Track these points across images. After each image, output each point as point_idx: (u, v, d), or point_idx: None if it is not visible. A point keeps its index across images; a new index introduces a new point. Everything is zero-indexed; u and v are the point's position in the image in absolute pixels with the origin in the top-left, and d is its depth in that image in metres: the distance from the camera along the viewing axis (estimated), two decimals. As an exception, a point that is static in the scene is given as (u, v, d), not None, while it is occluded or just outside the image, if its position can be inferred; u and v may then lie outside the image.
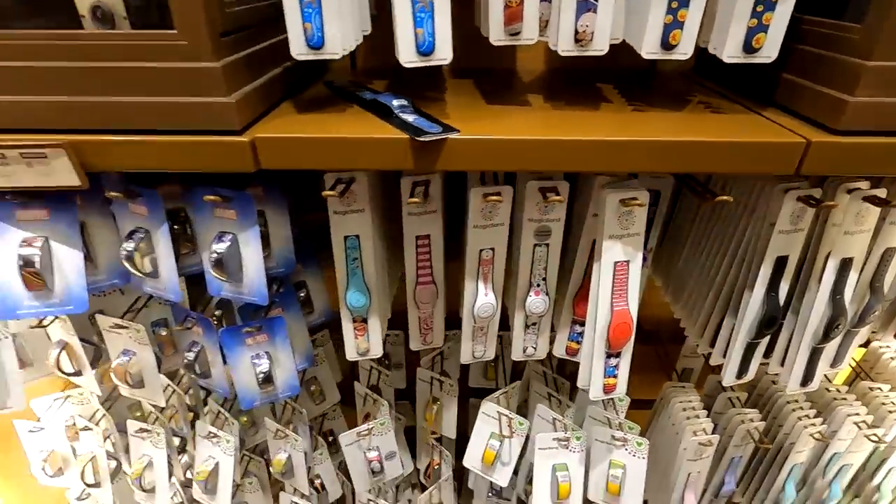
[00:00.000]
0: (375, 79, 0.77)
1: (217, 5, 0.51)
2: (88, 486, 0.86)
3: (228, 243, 0.61)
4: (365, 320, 0.73)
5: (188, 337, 0.76)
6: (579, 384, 0.71)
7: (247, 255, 0.62)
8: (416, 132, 0.51)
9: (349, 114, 0.59)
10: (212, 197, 0.58)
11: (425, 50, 0.51)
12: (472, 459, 0.89)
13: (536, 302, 0.69)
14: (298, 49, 0.52)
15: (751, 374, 0.73)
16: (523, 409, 1.00)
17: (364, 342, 0.75)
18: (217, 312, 0.83)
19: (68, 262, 0.62)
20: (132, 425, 0.85)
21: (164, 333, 0.80)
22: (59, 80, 0.51)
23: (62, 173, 0.53)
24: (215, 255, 0.60)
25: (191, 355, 0.75)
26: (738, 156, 0.51)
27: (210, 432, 0.85)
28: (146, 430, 0.84)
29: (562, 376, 0.96)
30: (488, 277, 0.68)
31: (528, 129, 0.53)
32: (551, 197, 0.59)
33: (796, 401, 0.89)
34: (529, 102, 0.64)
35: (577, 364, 0.73)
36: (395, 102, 0.57)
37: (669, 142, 0.51)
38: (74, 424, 0.92)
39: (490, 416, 0.88)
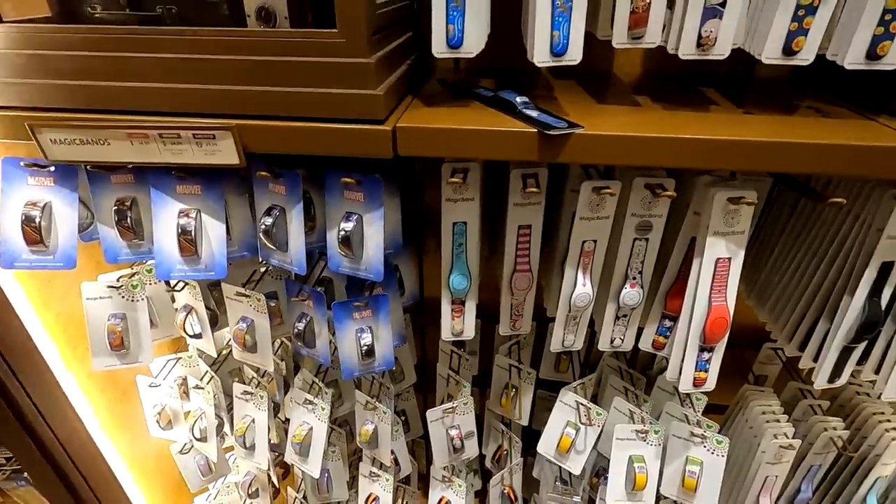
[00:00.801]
0: (481, 78, 0.82)
1: (373, 8, 0.57)
2: (196, 440, 0.95)
3: (354, 223, 0.67)
4: (463, 303, 0.78)
5: (298, 309, 0.83)
6: (668, 376, 0.74)
7: (369, 234, 0.68)
8: (545, 127, 0.55)
9: (473, 108, 0.64)
10: (348, 179, 0.64)
11: (559, 51, 0.55)
12: (546, 446, 0.93)
13: (631, 294, 0.72)
14: (440, 48, 0.57)
15: (843, 379, 0.73)
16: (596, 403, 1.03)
17: (459, 324, 0.80)
18: (319, 289, 0.90)
19: (214, 233, 0.69)
20: (238, 388, 0.93)
21: (272, 305, 0.88)
22: (228, 71, 0.58)
23: (225, 153, 0.61)
24: (343, 233, 0.67)
25: (300, 325, 0.82)
26: (858, 159, 0.53)
27: (306, 399, 0.92)
28: (250, 393, 0.92)
29: (637, 371, 0.98)
30: (588, 268, 0.71)
31: (646, 127, 0.57)
32: (662, 192, 0.62)
33: (882, 413, 0.88)
34: (639, 103, 0.67)
35: (650, 362, 0.76)
36: (519, 99, 0.61)
37: (789, 143, 0.53)
38: (184, 384, 1.01)
39: (568, 405, 0.91)
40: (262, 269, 0.88)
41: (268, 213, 0.69)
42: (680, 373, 0.73)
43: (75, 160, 0.64)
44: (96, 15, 0.64)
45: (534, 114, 0.59)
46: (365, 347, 0.79)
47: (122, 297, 0.83)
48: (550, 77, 0.84)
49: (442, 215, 0.71)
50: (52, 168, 0.69)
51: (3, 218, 0.68)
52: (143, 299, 0.84)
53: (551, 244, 0.81)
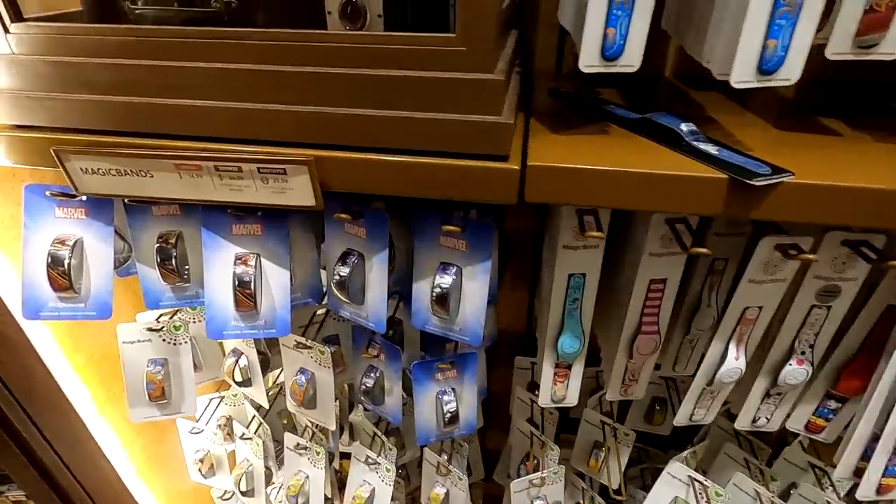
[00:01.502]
0: (595, 86, 0.67)
1: (500, 9, 0.42)
2: (242, 493, 0.84)
3: (453, 277, 0.53)
4: (570, 366, 0.64)
5: (366, 360, 0.70)
6: (838, 475, 0.58)
7: (470, 291, 0.54)
8: (744, 174, 0.40)
9: (615, 136, 0.49)
10: (451, 227, 0.50)
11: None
12: (647, 522, 0.79)
13: (796, 372, 0.56)
14: (591, 60, 0.42)
15: None
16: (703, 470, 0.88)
17: (562, 389, 0.66)
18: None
19: (276, 282, 0.57)
20: (290, 439, 0.81)
21: (334, 350, 0.75)
22: (304, 87, 0.44)
23: (298, 192, 0.47)
24: (439, 290, 0.53)
25: (369, 382, 0.69)
26: None
27: (368, 457, 0.79)
28: (305, 448, 0.80)
29: (758, 439, 0.83)
30: (744, 339, 0.56)
31: (872, 172, 0.41)
32: (868, 254, 0.46)
33: None
34: (832, 129, 0.51)
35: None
36: (684, 127, 0.46)
37: None
38: (228, 425, 0.90)
39: (677, 479, 0.76)
40: (323, 311, 0.75)
41: (343, 260, 0.55)
42: (852, 471, 0.57)
43: (110, 194, 0.52)
44: (137, 11, 0.50)
45: (712, 150, 0.44)
46: (448, 415, 0.66)
47: (164, 339, 0.71)
48: (680, 84, 0.67)
49: (556, 266, 0.56)
50: (84, 197, 0.57)
51: (26, 258, 0.56)
52: (186, 342, 0.72)
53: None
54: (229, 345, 0.75)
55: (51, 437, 0.71)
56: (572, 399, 0.67)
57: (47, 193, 0.56)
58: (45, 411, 0.70)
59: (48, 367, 0.68)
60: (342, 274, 0.54)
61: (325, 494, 0.82)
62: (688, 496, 0.76)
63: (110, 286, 0.59)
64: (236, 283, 0.54)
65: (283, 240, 0.56)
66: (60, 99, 0.48)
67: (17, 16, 0.48)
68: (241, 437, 0.83)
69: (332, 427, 0.73)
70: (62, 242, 0.56)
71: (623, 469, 0.84)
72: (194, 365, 0.76)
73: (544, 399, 0.67)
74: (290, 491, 0.81)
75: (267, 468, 0.84)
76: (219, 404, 0.89)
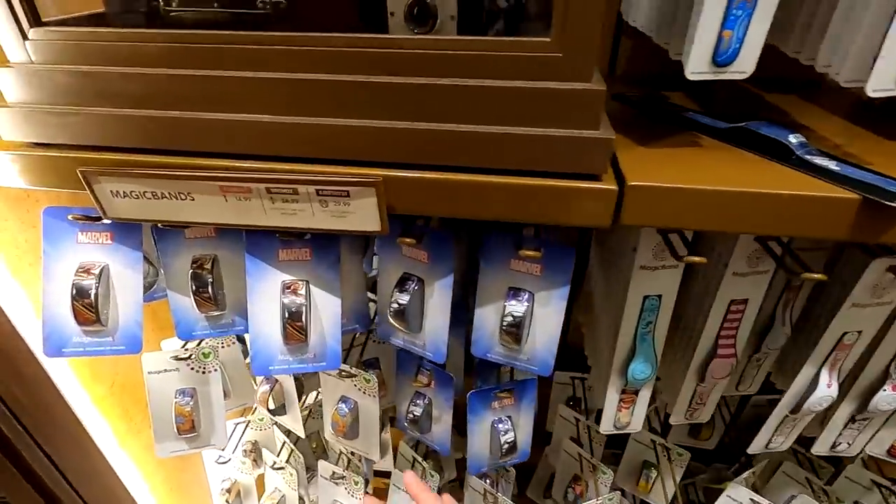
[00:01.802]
0: (656, 89, 0.62)
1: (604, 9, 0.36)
2: (274, 525, 0.80)
3: (526, 304, 0.48)
4: (637, 392, 0.60)
5: (412, 388, 0.66)
6: (932, 507, 0.54)
7: (542, 318, 0.49)
8: (881, 193, 0.35)
9: (711, 149, 0.44)
10: (530, 252, 0.45)
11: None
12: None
13: (890, 398, 0.52)
14: (700, 65, 0.37)
15: None
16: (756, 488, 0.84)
17: (627, 416, 0.62)
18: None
19: (326, 311, 0.51)
20: (325, 468, 0.76)
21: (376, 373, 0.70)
22: (364, 98, 0.39)
23: (361, 216, 0.42)
24: (511, 319, 0.48)
25: (417, 410, 0.64)
26: None
27: (410, 485, 0.74)
28: (342, 477, 0.75)
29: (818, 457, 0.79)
30: (837, 366, 0.52)
31: None
32: None
33: None
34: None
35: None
36: (794, 139, 0.41)
37: None
38: (255, 450, 0.85)
39: (736, 502, 0.72)
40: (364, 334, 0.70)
41: (402, 286, 0.50)
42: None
43: (145, 219, 0.46)
44: (172, 14, 0.45)
45: (831, 165, 0.39)
46: (507, 446, 0.61)
47: (192, 368, 0.66)
48: (750, 87, 0.63)
49: (630, 288, 0.51)
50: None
51: (47, 289, 0.51)
52: (216, 369, 0.67)
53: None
54: (262, 371, 0.70)
55: (70, 476, 0.65)
56: (636, 425, 0.63)
57: (70, 217, 0.50)
58: (63, 448, 0.65)
59: (67, 401, 0.62)
60: (401, 302, 0.49)
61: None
62: (749, 520, 0.72)
63: (139, 317, 0.53)
64: (285, 314, 0.48)
65: (334, 265, 0.50)
66: (86, 113, 0.43)
67: (35, 20, 0.42)
68: (273, 467, 0.78)
69: (377, 458, 0.68)
70: (87, 271, 0.51)
71: (673, 489, 0.80)
72: (224, 392, 0.71)
73: (606, 426, 0.62)
74: (327, 523, 0.76)
75: (300, 499, 0.79)
76: (245, 430, 0.84)
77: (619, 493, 0.74)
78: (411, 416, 0.65)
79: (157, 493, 0.81)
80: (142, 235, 0.53)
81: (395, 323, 0.51)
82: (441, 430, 0.66)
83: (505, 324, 0.48)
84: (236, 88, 0.40)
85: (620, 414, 0.61)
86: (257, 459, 0.85)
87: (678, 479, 0.79)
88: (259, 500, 0.83)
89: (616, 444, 0.85)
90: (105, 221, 0.52)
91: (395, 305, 0.50)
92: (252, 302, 0.51)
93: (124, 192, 0.44)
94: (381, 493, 0.80)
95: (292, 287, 0.49)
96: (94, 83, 0.42)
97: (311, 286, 0.50)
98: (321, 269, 0.50)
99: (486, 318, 0.52)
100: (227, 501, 0.82)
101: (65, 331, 0.51)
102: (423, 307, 0.52)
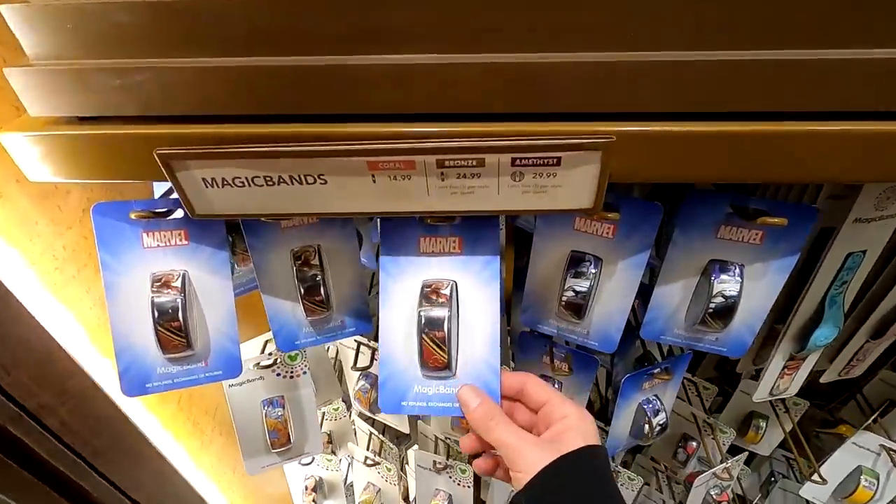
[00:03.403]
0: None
1: None
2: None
3: (736, 280, 0.39)
4: (805, 357, 0.53)
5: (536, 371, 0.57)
6: None
7: (752, 295, 0.40)
8: None
9: None
10: (774, 221, 0.35)
11: None
12: (819, 493, 0.72)
13: None
14: None
15: None
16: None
17: (788, 382, 0.55)
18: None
19: (480, 324, 0.40)
20: (422, 457, 0.69)
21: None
22: (591, 15, 0.27)
23: (569, 190, 0.31)
24: (720, 301, 0.39)
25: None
26: None
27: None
28: (446, 467, 0.68)
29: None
30: None
31: None
32: None
33: None
34: None
35: None
36: None
37: None
38: (329, 441, 0.77)
39: (864, 448, 0.69)
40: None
41: (576, 269, 0.40)
42: None
43: (250, 214, 0.34)
44: None
45: None
46: (658, 427, 0.54)
47: (278, 374, 0.56)
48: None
49: (833, 244, 0.43)
50: (180, 212, 0.39)
51: (115, 313, 0.38)
52: (305, 371, 0.57)
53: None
54: (361, 360, 0.60)
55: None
56: (793, 391, 0.57)
57: (133, 216, 0.37)
58: (145, 485, 0.55)
59: (144, 435, 0.51)
60: (579, 289, 0.39)
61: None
62: (875, 465, 0.69)
63: (234, 331, 0.42)
64: (423, 325, 0.37)
65: (492, 261, 0.39)
66: (163, 67, 0.29)
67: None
68: (366, 463, 0.70)
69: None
70: (165, 283, 0.38)
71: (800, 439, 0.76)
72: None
73: (762, 394, 0.56)
74: (433, 514, 0.70)
75: (404, 493, 0.73)
76: (321, 422, 0.76)
77: (745, 454, 0.70)
78: (540, 403, 0.57)
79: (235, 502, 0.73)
80: (224, 228, 0.41)
81: (567, 313, 0.41)
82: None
83: (713, 305, 0.39)
84: (394, 19, 0.27)
85: (782, 381, 0.55)
86: (335, 451, 0.77)
87: (790, 427, 0.75)
88: (346, 496, 0.76)
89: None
90: (176, 216, 0.39)
91: (571, 294, 0.40)
92: (386, 307, 0.40)
93: (224, 181, 0.32)
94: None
95: (434, 288, 0.38)
96: (173, 20, 0.28)
97: (457, 290, 0.39)
98: (474, 265, 0.39)
99: (669, 297, 0.43)
100: (313, 501, 0.75)
101: (145, 362, 0.40)
102: (592, 289, 0.42)
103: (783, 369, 0.54)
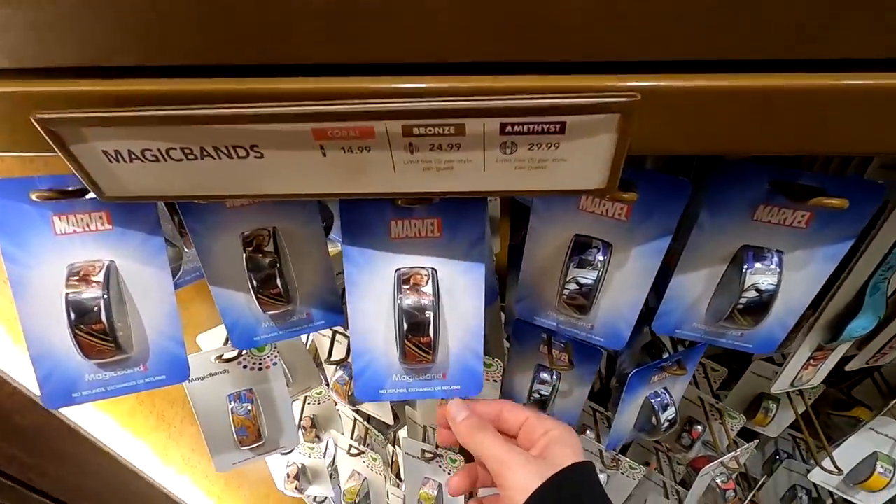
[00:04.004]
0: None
1: None
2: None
3: (774, 268, 0.32)
4: (833, 348, 0.47)
5: (534, 360, 0.52)
6: None
7: (793, 285, 0.34)
8: None
9: None
10: (833, 203, 0.28)
11: None
12: (827, 477, 0.69)
13: None
14: None
15: None
16: None
17: (812, 374, 0.50)
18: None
19: (462, 313, 0.34)
20: (410, 445, 0.65)
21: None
22: None
23: (575, 164, 0.24)
24: (755, 294, 0.33)
25: (545, 390, 0.51)
26: None
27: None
28: (438, 456, 0.64)
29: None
30: None
31: None
32: None
33: None
34: None
35: None
36: None
37: None
38: (313, 426, 0.73)
39: (881, 434, 0.65)
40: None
41: (581, 256, 0.33)
42: None
43: (170, 195, 0.27)
44: None
45: None
46: (666, 423, 0.49)
47: (245, 366, 0.50)
48: None
49: (885, 224, 0.36)
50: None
51: (25, 314, 0.32)
52: (275, 363, 0.51)
53: None
54: (337, 350, 0.55)
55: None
56: (816, 382, 0.52)
57: (34, 197, 0.30)
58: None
59: (93, 442, 0.46)
60: (584, 281, 0.33)
61: None
62: (893, 451, 0.65)
63: (177, 330, 0.36)
64: (403, 324, 0.31)
65: (478, 243, 0.33)
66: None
67: None
68: (350, 453, 0.66)
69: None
70: (85, 278, 0.32)
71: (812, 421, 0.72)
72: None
73: (782, 385, 0.51)
74: (429, 502, 0.66)
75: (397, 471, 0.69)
76: (303, 407, 0.71)
77: (757, 440, 0.66)
78: (537, 395, 0.51)
79: (214, 495, 0.69)
80: (156, 208, 0.34)
81: (569, 308, 0.35)
82: (570, 404, 0.53)
83: (745, 300, 0.32)
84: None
85: (805, 372, 0.49)
86: (320, 435, 0.73)
87: (803, 409, 0.71)
88: (332, 480, 0.72)
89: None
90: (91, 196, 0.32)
91: (574, 287, 0.33)
92: (353, 302, 0.33)
93: (132, 154, 0.25)
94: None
95: (411, 279, 0.32)
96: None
97: (438, 277, 0.33)
98: (457, 249, 0.33)
99: (689, 287, 0.36)
100: (295, 488, 0.71)
101: (69, 368, 0.34)
102: (599, 282, 0.35)
103: (808, 360, 0.48)
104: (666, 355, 0.51)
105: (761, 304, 0.32)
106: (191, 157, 0.25)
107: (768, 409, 0.73)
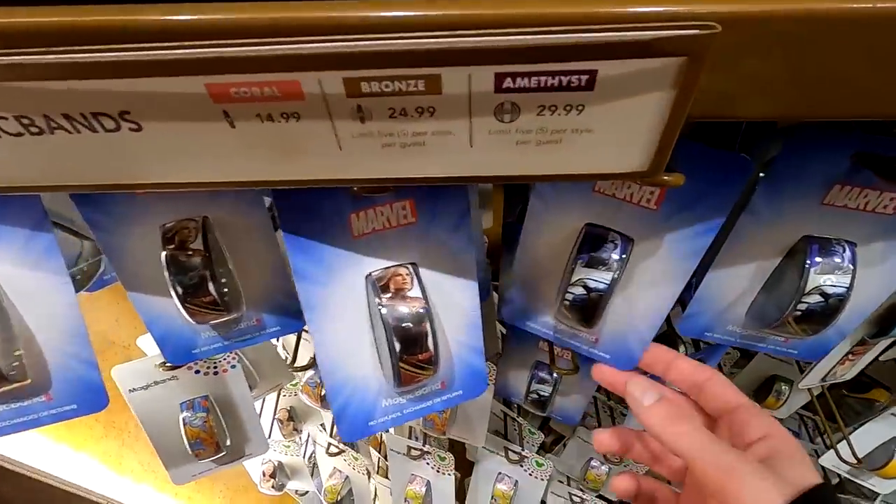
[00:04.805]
0: None
1: None
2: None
3: (845, 264, 0.25)
4: (877, 342, 0.41)
5: (529, 358, 0.45)
6: None
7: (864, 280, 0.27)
8: None
9: None
10: None
11: None
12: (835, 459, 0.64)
13: None
14: None
15: None
16: None
17: (847, 368, 0.44)
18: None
19: (459, 305, 0.27)
20: (395, 442, 0.59)
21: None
22: None
23: (610, 134, 0.16)
24: (822, 297, 0.25)
25: (545, 390, 0.45)
26: None
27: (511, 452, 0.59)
28: (426, 453, 0.58)
29: None
30: None
31: None
32: None
33: None
34: None
35: None
36: None
37: None
38: (291, 418, 0.67)
39: (904, 419, 0.60)
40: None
41: (592, 253, 0.26)
42: None
43: (24, 185, 0.19)
44: None
45: None
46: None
47: (198, 371, 0.43)
48: None
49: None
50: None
51: None
52: (234, 364, 0.44)
53: None
54: (306, 350, 0.48)
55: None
56: (851, 376, 0.46)
57: None
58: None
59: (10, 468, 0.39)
60: (595, 284, 0.26)
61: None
62: (915, 437, 0.61)
63: (86, 348, 0.28)
64: (395, 344, 0.24)
65: (460, 213, 0.25)
66: None
67: None
68: (329, 452, 0.60)
69: (481, 444, 0.50)
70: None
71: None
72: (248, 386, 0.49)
73: (813, 380, 0.45)
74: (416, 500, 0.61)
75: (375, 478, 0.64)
76: (277, 399, 0.65)
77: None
78: (535, 396, 0.45)
79: (184, 497, 0.64)
80: (41, 197, 0.25)
81: (571, 316, 0.28)
82: (573, 404, 0.47)
83: (804, 306, 0.25)
84: None
85: (840, 367, 0.43)
86: (298, 427, 0.67)
87: (819, 392, 0.66)
88: (312, 475, 0.67)
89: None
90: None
91: (580, 290, 0.26)
92: (315, 329, 0.26)
93: (-58, 125, 0.16)
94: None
95: (391, 284, 0.24)
96: None
97: (419, 272, 0.25)
98: (438, 233, 0.25)
99: (727, 285, 0.29)
100: (272, 486, 0.66)
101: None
102: (615, 284, 0.28)
103: (847, 355, 0.42)
104: (682, 349, 0.44)
105: (826, 311, 0.25)
106: (33, 130, 0.16)
107: (780, 393, 0.68)
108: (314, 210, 0.23)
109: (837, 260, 0.25)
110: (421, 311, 0.24)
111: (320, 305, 0.25)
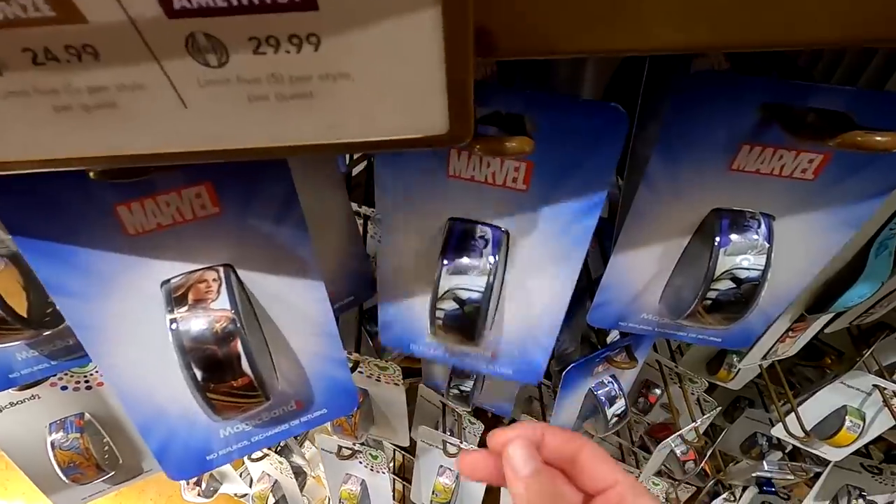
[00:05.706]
0: None
1: None
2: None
3: (765, 243, 0.21)
4: (818, 317, 0.38)
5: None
6: None
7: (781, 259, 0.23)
8: None
9: None
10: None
11: None
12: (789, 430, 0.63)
13: None
14: None
15: None
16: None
17: (788, 345, 0.41)
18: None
19: (298, 315, 0.22)
20: (326, 442, 0.55)
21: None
22: None
23: (379, 83, 0.11)
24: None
25: (466, 385, 0.41)
26: None
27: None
28: (357, 452, 0.54)
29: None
30: None
31: None
32: None
33: None
34: None
35: None
36: None
37: None
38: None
39: (853, 388, 0.58)
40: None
41: (459, 254, 0.21)
42: None
43: None
44: None
45: None
46: (615, 419, 0.40)
47: (65, 388, 0.38)
48: None
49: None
50: None
51: None
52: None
53: None
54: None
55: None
56: (793, 352, 0.43)
57: None
58: None
59: None
60: (467, 295, 0.21)
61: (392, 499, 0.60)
62: (863, 405, 0.59)
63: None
64: (194, 371, 0.19)
65: (287, 210, 0.20)
66: None
67: None
68: (251, 458, 0.56)
69: (405, 443, 0.46)
70: None
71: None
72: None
73: (754, 359, 0.42)
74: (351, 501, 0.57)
75: (300, 478, 0.59)
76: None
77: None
78: (456, 391, 0.41)
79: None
80: None
81: (448, 337, 0.23)
82: (500, 396, 0.43)
83: (715, 294, 0.21)
84: None
85: (781, 344, 0.40)
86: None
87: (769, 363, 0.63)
88: (243, 480, 0.63)
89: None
90: None
91: (450, 305, 0.21)
92: (91, 342, 0.20)
93: None
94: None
95: (189, 294, 0.19)
96: None
97: (234, 277, 0.20)
98: (258, 228, 0.20)
99: (633, 269, 0.25)
100: (199, 494, 0.61)
101: None
102: (495, 290, 0.23)
103: (787, 332, 0.39)
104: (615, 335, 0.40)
105: (741, 299, 0.21)
106: None
107: (731, 365, 0.66)
108: (52, 202, 0.17)
109: (752, 236, 0.21)
110: (228, 326, 0.18)
111: (97, 325, 0.19)
